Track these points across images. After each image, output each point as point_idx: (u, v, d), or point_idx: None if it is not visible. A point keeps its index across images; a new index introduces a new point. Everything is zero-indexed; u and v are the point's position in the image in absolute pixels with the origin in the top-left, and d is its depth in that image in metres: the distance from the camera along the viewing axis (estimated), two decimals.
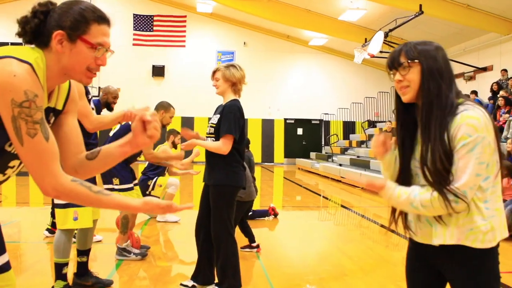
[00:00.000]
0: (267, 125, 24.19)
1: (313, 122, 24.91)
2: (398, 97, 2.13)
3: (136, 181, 5.60)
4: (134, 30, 23.71)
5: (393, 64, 2.09)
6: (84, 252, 4.34)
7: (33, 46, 1.83)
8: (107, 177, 5.32)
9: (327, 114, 24.24)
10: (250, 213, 7.89)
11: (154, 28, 23.79)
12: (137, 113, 1.89)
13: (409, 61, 2.03)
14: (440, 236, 2.04)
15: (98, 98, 6.30)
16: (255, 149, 23.15)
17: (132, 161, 5.58)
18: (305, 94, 24.48)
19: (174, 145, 8.40)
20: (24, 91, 1.64)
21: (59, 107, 1.97)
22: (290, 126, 24.74)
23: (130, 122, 5.44)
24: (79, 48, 1.79)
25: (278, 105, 24.34)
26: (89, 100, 4.13)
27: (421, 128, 2.04)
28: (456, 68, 17.13)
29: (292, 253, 6.31)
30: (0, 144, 1.79)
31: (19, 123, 1.65)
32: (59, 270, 3.98)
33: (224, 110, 4.10)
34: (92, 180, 4.27)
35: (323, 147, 24.33)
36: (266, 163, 23.83)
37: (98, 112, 6.16)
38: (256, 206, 8.69)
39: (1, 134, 1.73)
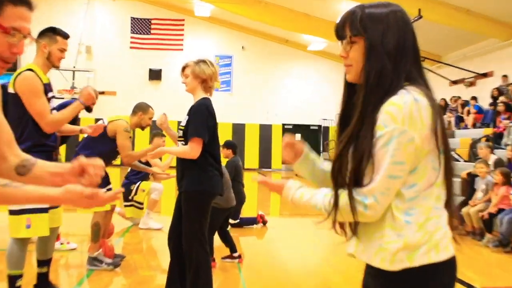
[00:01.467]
0: (265, 130, 23.89)
1: (311, 127, 24.61)
2: (345, 74, 1.78)
3: (110, 186, 5.32)
4: (131, 33, 23.46)
5: (337, 34, 1.74)
6: (44, 262, 4.03)
7: None
8: None
9: (326, 119, 23.94)
10: (237, 220, 7.62)
11: (152, 31, 23.56)
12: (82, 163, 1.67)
13: (352, 36, 1.67)
14: (352, 246, 1.73)
15: (77, 98, 6.04)
16: (252, 154, 22.88)
17: (107, 165, 5.31)
18: (304, 99, 24.21)
19: None
20: None
21: None
22: (288, 131, 24.35)
23: (104, 122, 5.18)
24: None
25: (276, 110, 24.06)
26: (49, 99, 3.82)
27: (354, 117, 1.64)
28: (456, 74, 17.00)
29: (277, 265, 5.98)
30: None
31: None
32: (13, 283, 3.65)
33: (191, 111, 3.82)
34: None
35: (321, 153, 24.04)
36: (263, 169, 23.53)
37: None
38: (249, 213, 8.42)
39: None
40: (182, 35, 23.70)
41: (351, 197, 1.58)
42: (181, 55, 23.66)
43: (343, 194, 1.61)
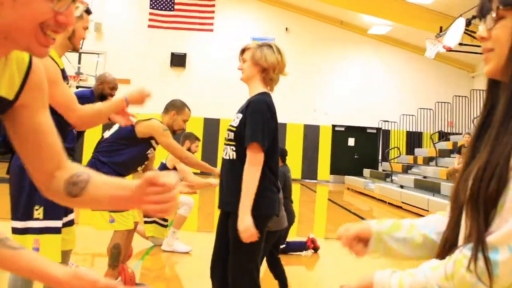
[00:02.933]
0: (311, 133, 23.86)
1: (368, 131, 24.57)
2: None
3: None
4: (150, 8, 23.77)
5: (481, 10, 1.50)
6: None
7: None
8: None
9: (387, 121, 23.76)
10: (283, 245, 7.55)
11: (176, 7, 23.81)
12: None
13: (501, 6, 1.43)
14: None
15: (91, 88, 6.10)
16: (294, 162, 22.81)
17: (132, 170, 5.36)
18: (360, 96, 24.11)
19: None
20: None
21: (7, 94, 1.61)
22: (340, 134, 24.38)
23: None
24: None
25: (325, 108, 24.03)
26: None
27: (495, 127, 1.42)
28: None
29: None
30: None
31: None
32: None
33: (248, 108, 3.68)
34: None
35: (380, 163, 23.91)
36: (307, 180, 23.49)
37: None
38: (292, 235, 8.35)
39: None
40: (212, 12, 23.94)
41: (484, 254, 1.32)
42: (211, 37, 23.89)
43: (462, 256, 1.36)
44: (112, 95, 5.97)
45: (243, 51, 3.89)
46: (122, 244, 5.15)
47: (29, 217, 3.54)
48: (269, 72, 3.74)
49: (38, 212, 3.56)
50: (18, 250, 1.47)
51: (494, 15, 1.45)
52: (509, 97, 1.41)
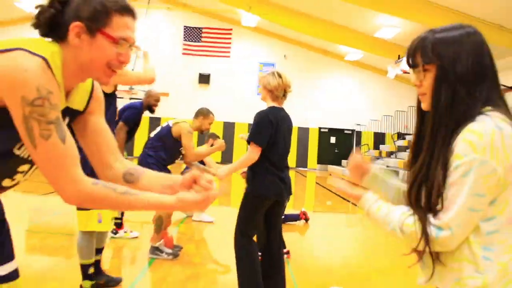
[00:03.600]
0: (303, 133, 23.77)
1: (345, 132, 24.32)
2: (419, 102, 1.57)
3: None
4: (184, 40, 23.68)
5: (408, 62, 1.55)
6: (98, 251, 3.99)
7: (49, 39, 1.49)
8: None
9: (360, 125, 23.63)
10: (282, 217, 7.54)
11: (202, 39, 23.70)
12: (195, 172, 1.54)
13: (424, 64, 1.48)
14: (423, 277, 1.50)
15: (141, 100, 6.10)
16: (291, 154, 22.66)
17: (171, 162, 5.34)
18: (340, 105, 23.95)
19: None
20: (36, 88, 1.30)
21: (79, 107, 1.64)
22: (324, 134, 24.22)
23: (169, 124, 5.21)
24: (99, 42, 1.45)
25: (313, 115, 23.88)
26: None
27: (426, 143, 1.47)
28: None
29: (319, 259, 5.90)
30: (9, 146, 1.47)
31: (31, 123, 1.31)
32: (85, 271, 3.68)
33: (254, 117, 3.83)
34: None
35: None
36: (300, 168, 23.41)
37: (140, 114, 5.94)
38: (288, 209, 8.33)
39: (10, 136, 1.41)
40: (229, 43, 23.76)
41: (424, 224, 1.39)
42: (228, 61, 23.79)
43: (418, 221, 1.42)
44: (156, 106, 5.97)
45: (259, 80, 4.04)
46: (163, 216, 5.14)
47: None
48: (274, 92, 3.82)
49: None
50: (141, 194, 1.46)
51: (421, 70, 1.49)
52: (432, 122, 1.47)
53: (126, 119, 5.63)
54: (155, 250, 5.12)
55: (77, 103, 1.63)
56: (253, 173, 3.77)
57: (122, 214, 6.03)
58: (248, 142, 3.74)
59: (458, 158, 1.34)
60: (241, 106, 23.00)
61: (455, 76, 1.42)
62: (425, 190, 1.44)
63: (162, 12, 23.46)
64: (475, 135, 1.33)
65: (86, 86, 1.67)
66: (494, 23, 14.25)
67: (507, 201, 1.36)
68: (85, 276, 3.68)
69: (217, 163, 7.30)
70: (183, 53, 23.69)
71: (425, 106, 1.52)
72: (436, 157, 1.42)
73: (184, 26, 23.64)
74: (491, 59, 1.47)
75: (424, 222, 1.39)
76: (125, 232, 6.04)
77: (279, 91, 3.82)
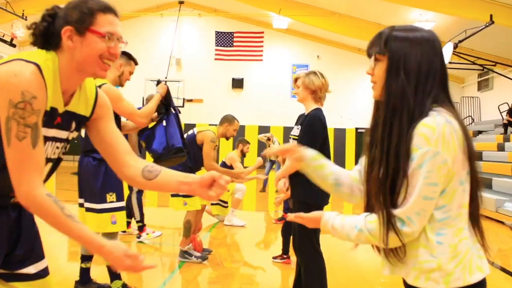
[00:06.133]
0: (339, 134, 23.68)
1: None
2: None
3: None
4: (216, 46, 24.03)
5: (367, 52, 1.69)
6: (88, 258, 4.08)
7: (46, 51, 1.72)
8: None
9: None
10: None
11: (234, 43, 24.01)
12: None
13: (376, 53, 1.63)
14: (387, 267, 1.65)
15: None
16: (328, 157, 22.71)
17: (197, 169, 5.52)
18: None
19: (243, 154, 8.33)
20: (21, 92, 1.51)
21: (85, 113, 1.86)
22: (362, 135, 24.03)
23: (194, 132, 5.41)
24: (89, 39, 1.66)
25: (350, 115, 23.76)
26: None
27: (379, 134, 1.60)
28: None
29: (349, 261, 5.97)
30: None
31: (11, 124, 1.51)
32: (113, 272, 3.90)
33: (305, 121, 3.71)
34: None
35: None
36: None
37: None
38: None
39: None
40: (261, 46, 23.97)
41: (388, 219, 1.51)
42: (261, 65, 23.99)
43: (377, 217, 1.55)
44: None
45: (295, 79, 3.90)
46: (192, 220, 5.32)
47: (104, 200, 3.73)
48: (318, 93, 3.77)
49: (112, 196, 3.76)
50: (80, 223, 1.59)
51: (373, 59, 1.65)
52: (384, 112, 1.60)
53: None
54: (184, 253, 5.34)
55: (83, 109, 1.85)
56: (307, 180, 3.65)
57: (143, 216, 6.31)
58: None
59: (414, 150, 1.48)
60: (275, 109, 23.15)
61: (404, 71, 1.56)
62: (384, 182, 1.56)
63: (193, 19, 23.90)
64: (428, 129, 1.47)
65: (91, 94, 1.88)
66: None
67: (454, 190, 1.52)
68: (113, 276, 3.90)
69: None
70: (216, 59, 24.05)
71: (375, 94, 1.68)
72: (393, 149, 1.54)
73: (216, 32, 24.00)
74: (442, 65, 1.61)
75: (389, 215, 1.52)
76: (147, 234, 6.34)
77: (322, 92, 3.79)
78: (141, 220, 6.31)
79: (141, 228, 6.33)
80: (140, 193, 6.28)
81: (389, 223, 1.52)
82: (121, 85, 4.05)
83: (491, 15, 13.62)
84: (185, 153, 4.22)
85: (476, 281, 1.53)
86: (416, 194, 1.48)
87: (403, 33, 1.62)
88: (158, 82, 4.37)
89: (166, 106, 4.29)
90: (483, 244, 1.60)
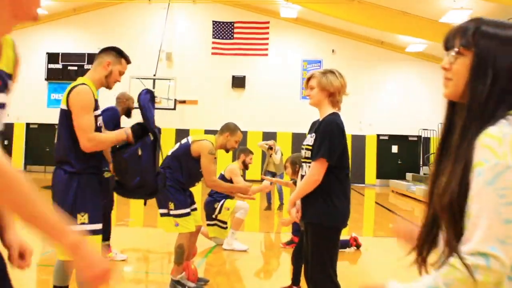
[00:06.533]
0: (358, 142, 23.67)
1: (410, 138, 24.18)
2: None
3: (195, 206, 5.52)
4: (213, 38, 24.15)
5: (445, 44, 1.66)
6: None
7: None
8: (161, 201, 5.26)
9: (427, 130, 23.36)
10: None
11: (235, 35, 24.12)
12: None
13: (461, 47, 1.59)
14: None
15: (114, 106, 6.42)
16: None
17: (190, 185, 5.51)
18: (401, 108, 23.80)
19: (245, 165, 8.29)
20: None
21: (9, 71, 1.88)
22: (384, 143, 24.15)
23: (188, 141, 5.39)
24: None
25: (370, 120, 23.83)
26: (96, 117, 3.87)
27: (456, 142, 1.55)
28: None
29: None
30: None
31: None
32: None
33: (321, 128, 3.69)
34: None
35: (421, 168, 23.50)
36: (356, 184, 23.30)
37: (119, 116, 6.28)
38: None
39: None
40: (267, 39, 24.09)
41: (463, 262, 1.38)
42: (266, 60, 24.08)
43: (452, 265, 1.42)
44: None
45: (308, 79, 3.87)
46: (185, 244, 5.28)
47: (74, 221, 3.67)
48: (336, 95, 3.76)
49: (84, 217, 3.74)
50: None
51: (455, 52, 1.60)
52: (464, 119, 1.55)
53: (105, 123, 5.83)
54: (176, 284, 5.30)
55: (6, 66, 1.85)
56: (321, 196, 3.62)
57: (109, 237, 6.32)
58: (314, 158, 3.62)
59: (479, 165, 1.42)
60: (282, 113, 23.17)
61: (492, 72, 1.54)
62: (455, 201, 1.49)
63: (186, 6, 24.02)
64: (493, 140, 1.43)
65: (12, 51, 1.90)
66: None
67: None
68: None
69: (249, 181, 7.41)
70: (213, 53, 24.16)
71: (447, 92, 1.65)
72: (455, 163, 1.50)
73: (213, 21, 24.12)
74: None
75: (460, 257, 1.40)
76: (115, 254, 6.47)
77: (341, 94, 3.79)
78: (107, 238, 6.36)
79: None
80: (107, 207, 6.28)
81: (466, 267, 1.38)
82: (108, 87, 4.00)
83: None
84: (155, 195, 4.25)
85: None
86: (493, 217, 1.38)
87: (493, 29, 1.60)
88: (138, 100, 4.29)
89: (143, 129, 4.12)
90: None
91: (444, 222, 1.54)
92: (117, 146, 4.08)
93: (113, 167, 4.07)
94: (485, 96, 1.53)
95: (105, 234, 6.25)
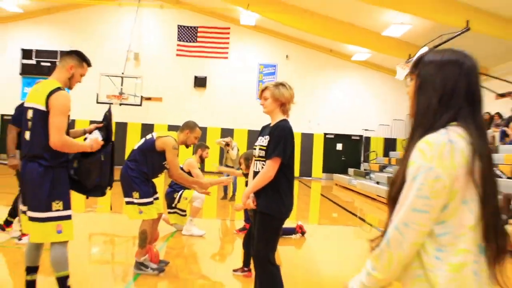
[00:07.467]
0: (307, 139, 24.00)
1: (353, 137, 24.57)
2: None
3: (157, 195, 5.58)
4: (178, 41, 24.02)
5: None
6: (34, 269, 4.08)
7: None
8: (127, 190, 5.32)
9: (368, 130, 23.86)
10: None
11: (198, 39, 24.04)
12: None
13: (411, 73, 1.88)
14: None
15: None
16: (295, 162, 22.91)
17: (154, 177, 5.57)
18: (346, 109, 24.21)
19: (202, 159, 8.41)
20: None
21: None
22: (330, 141, 24.49)
23: (153, 137, 5.45)
24: None
25: (318, 120, 24.15)
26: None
27: (405, 147, 1.81)
28: (504, 87, 16.62)
29: (313, 276, 6.13)
30: None
31: None
32: (63, 284, 3.91)
33: (275, 131, 3.85)
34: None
35: (361, 164, 23.95)
36: (303, 177, 23.62)
37: None
38: (288, 223, 8.55)
39: None
40: (227, 43, 24.10)
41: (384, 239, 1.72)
42: (226, 63, 24.09)
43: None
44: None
45: (262, 90, 4.02)
46: (148, 230, 5.36)
47: (50, 209, 3.77)
48: (286, 105, 3.97)
49: (59, 204, 3.81)
50: None
51: (409, 78, 1.90)
52: (411, 127, 1.83)
53: (14, 119, 5.82)
54: (140, 265, 5.38)
55: None
56: (274, 191, 3.82)
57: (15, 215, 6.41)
58: (269, 157, 3.79)
59: (411, 164, 1.67)
60: (240, 111, 23.29)
61: (430, 89, 1.78)
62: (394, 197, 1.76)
63: (154, 11, 23.81)
64: (426, 145, 1.65)
65: None
66: (507, 17, 14.47)
67: (456, 208, 1.64)
68: None
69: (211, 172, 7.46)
70: (177, 54, 24.03)
71: (410, 110, 1.90)
72: (404, 163, 1.74)
73: (178, 25, 23.99)
74: (470, 84, 1.77)
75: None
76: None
77: (290, 104, 3.98)
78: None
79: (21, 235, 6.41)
80: None
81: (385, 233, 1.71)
82: (70, 87, 4.05)
83: (467, 21, 14.14)
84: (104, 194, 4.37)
85: None
86: (406, 206, 1.65)
87: (432, 56, 1.84)
88: (105, 115, 4.45)
89: (107, 135, 4.34)
90: (494, 271, 1.68)
91: (390, 210, 1.78)
92: (78, 157, 4.18)
93: (77, 169, 4.12)
94: (425, 108, 1.76)
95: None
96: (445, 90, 1.75)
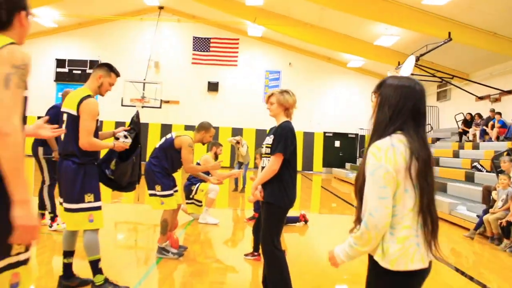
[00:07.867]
0: (308, 137, 23.96)
1: (349, 136, 24.49)
2: None
3: (176, 188, 5.60)
4: (193, 50, 24.03)
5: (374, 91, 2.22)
6: (70, 253, 4.14)
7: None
8: (150, 184, 5.34)
9: (362, 129, 23.79)
10: None
11: (211, 49, 24.03)
12: None
13: (375, 92, 2.16)
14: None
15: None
16: (298, 158, 22.88)
17: (174, 171, 5.59)
18: (343, 111, 24.13)
19: (216, 156, 8.44)
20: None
21: None
22: (329, 138, 24.43)
23: (172, 136, 5.47)
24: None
25: (318, 120, 24.09)
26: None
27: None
28: (483, 91, 16.57)
29: (316, 261, 6.14)
30: None
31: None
32: (96, 266, 3.96)
33: (278, 130, 3.91)
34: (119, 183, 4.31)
35: (357, 159, 23.90)
36: (306, 171, 23.61)
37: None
38: (291, 212, 8.56)
39: None
40: (237, 52, 24.08)
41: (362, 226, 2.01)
42: (236, 69, 24.08)
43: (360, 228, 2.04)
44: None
45: (269, 96, 4.07)
46: (168, 219, 5.40)
47: (82, 200, 3.82)
48: (289, 109, 4.04)
49: (90, 197, 3.85)
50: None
51: (374, 95, 2.16)
52: (370, 134, 2.11)
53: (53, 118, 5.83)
54: (161, 250, 5.41)
55: None
56: (277, 182, 3.85)
57: (54, 207, 6.38)
58: (272, 153, 3.84)
59: (367, 164, 1.99)
60: (248, 113, 23.29)
61: (388, 105, 2.08)
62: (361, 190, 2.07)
63: (172, 24, 23.83)
64: (375, 148, 1.98)
65: None
66: (489, 31, 14.40)
67: (401, 195, 1.96)
68: (96, 271, 3.96)
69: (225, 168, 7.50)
70: (193, 63, 24.03)
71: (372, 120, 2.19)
72: (364, 163, 2.04)
73: (194, 37, 23.99)
74: (416, 104, 2.08)
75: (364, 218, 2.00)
76: (58, 224, 6.43)
77: (293, 108, 4.04)
78: (53, 211, 6.41)
79: (52, 219, 6.44)
80: (51, 186, 6.33)
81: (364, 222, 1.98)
82: (101, 94, 4.08)
83: (449, 33, 14.07)
84: (134, 188, 4.52)
85: (415, 269, 1.96)
86: (372, 195, 1.95)
87: (391, 81, 2.13)
88: (133, 119, 4.47)
89: (136, 139, 4.42)
90: (430, 242, 2.01)
91: (357, 201, 2.10)
92: (116, 160, 4.27)
93: (115, 171, 4.24)
94: (381, 121, 2.05)
95: (52, 207, 6.35)
96: (396, 107, 2.04)
